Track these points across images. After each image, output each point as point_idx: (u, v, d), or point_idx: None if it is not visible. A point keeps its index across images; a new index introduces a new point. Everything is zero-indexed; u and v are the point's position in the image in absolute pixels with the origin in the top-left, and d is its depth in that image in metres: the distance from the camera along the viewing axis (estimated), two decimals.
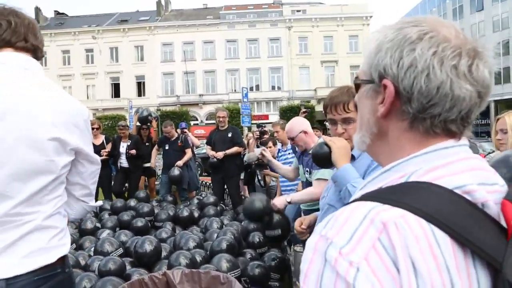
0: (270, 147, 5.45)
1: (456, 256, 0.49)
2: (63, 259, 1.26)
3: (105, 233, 4.12)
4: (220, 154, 5.84)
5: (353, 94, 1.55)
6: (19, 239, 1.14)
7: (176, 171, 6.31)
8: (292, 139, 3.05)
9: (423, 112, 0.59)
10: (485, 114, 32.35)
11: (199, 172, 9.57)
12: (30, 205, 1.15)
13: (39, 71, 1.26)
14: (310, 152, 2.27)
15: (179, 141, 6.73)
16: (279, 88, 38.34)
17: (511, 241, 0.50)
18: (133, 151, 6.64)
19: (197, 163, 8.40)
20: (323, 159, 1.67)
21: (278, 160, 4.65)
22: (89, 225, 4.39)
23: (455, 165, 0.57)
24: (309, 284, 0.52)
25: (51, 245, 1.20)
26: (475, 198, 0.53)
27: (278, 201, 2.64)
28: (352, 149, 1.65)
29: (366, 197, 0.56)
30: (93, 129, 6.77)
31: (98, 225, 4.53)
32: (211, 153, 5.95)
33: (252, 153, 5.84)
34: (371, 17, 38.40)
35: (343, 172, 1.56)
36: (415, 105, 0.59)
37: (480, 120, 32.55)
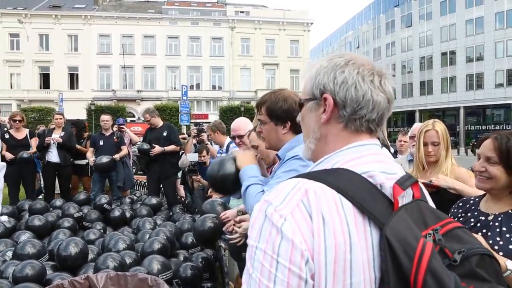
0: (204, 156, 5.43)
1: (356, 217, 0.72)
2: None
3: (24, 236, 3.79)
4: (159, 149, 5.70)
5: (276, 98, 1.74)
6: None
7: (104, 159, 5.88)
8: (238, 137, 3.02)
9: (354, 114, 0.82)
10: (412, 122, 34.93)
11: (134, 170, 9.19)
12: None
13: None
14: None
15: (114, 137, 6.42)
16: (219, 87, 38.21)
17: (396, 211, 0.73)
18: (58, 138, 6.20)
19: (132, 161, 8.04)
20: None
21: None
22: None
23: (366, 158, 0.81)
24: (254, 233, 0.73)
25: None
26: (375, 180, 0.77)
27: (230, 213, 2.57)
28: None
29: (298, 176, 0.78)
30: (15, 121, 6.24)
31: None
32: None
33: (185, 158, 5.75)
34: (311, 23, 39.78)
35: (241, 173, 1.88)
36: (348, 110, 0.82)
37: (407, 128, 35.11)
